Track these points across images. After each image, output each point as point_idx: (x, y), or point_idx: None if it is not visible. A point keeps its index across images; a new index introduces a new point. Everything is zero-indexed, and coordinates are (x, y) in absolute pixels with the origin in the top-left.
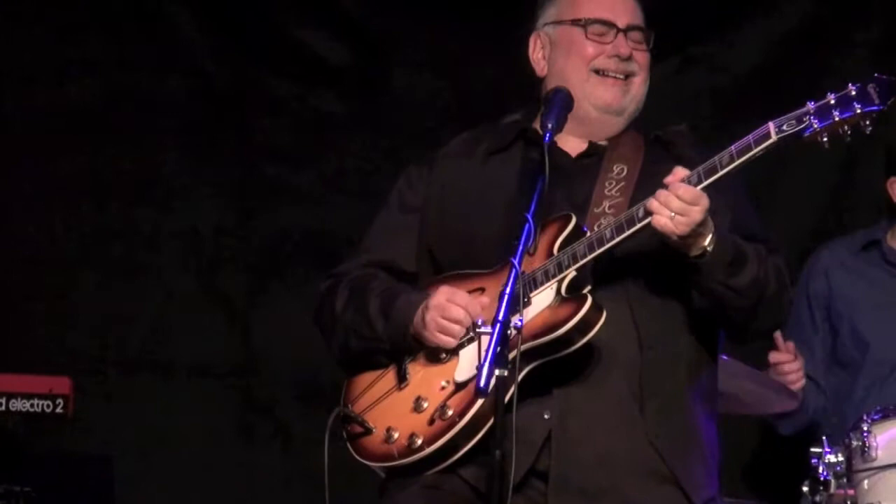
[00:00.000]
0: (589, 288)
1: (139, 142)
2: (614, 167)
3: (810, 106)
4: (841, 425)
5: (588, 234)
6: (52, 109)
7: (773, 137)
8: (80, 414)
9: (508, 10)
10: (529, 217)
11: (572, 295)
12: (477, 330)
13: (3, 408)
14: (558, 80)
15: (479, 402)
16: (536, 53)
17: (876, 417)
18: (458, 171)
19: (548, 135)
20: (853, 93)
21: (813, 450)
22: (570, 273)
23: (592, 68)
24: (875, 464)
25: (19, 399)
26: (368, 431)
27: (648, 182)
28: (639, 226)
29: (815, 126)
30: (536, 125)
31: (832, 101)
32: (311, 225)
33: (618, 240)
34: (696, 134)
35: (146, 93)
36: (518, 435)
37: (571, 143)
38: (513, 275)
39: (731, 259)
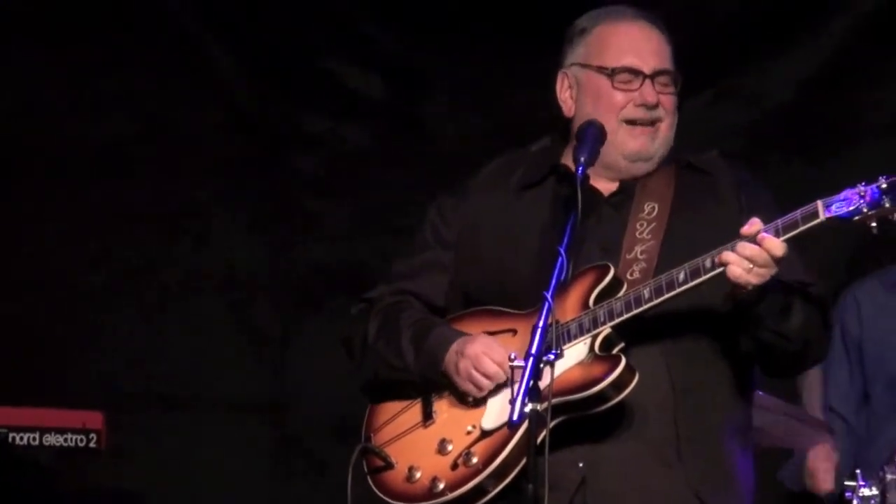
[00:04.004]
0: (622, 346)
1: (174, 176)
2: (645, 206)
3: (861, 188)
4: (875, 459)
5: (624, 286)
6: (88, 143)
7: (822, 217)
8: (113, 449)
9: (541, 44)
10: (562, 251)
11: (605, 354)
12: (511, 364)
13: (37, 442)
14: None
15: (506, 451)
16: (564, 93)
17: None
18: (491, 207)
19: (580, 168)
20: None
21: (847, 483)
22: (605, 330)
23: (622, 119)
24: None
25: (52, 433)
26: (390, 466)
27: (679, 219)
28: (680, 289)
29: (865, 211)
30: (567, 160)
31: (883, 186)
32: (344, 259)
33: (656, 302)
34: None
35: (181, 127)
36: (550, 483)
37: (602, 183)
38: (545, 308)
39: (782, 306)
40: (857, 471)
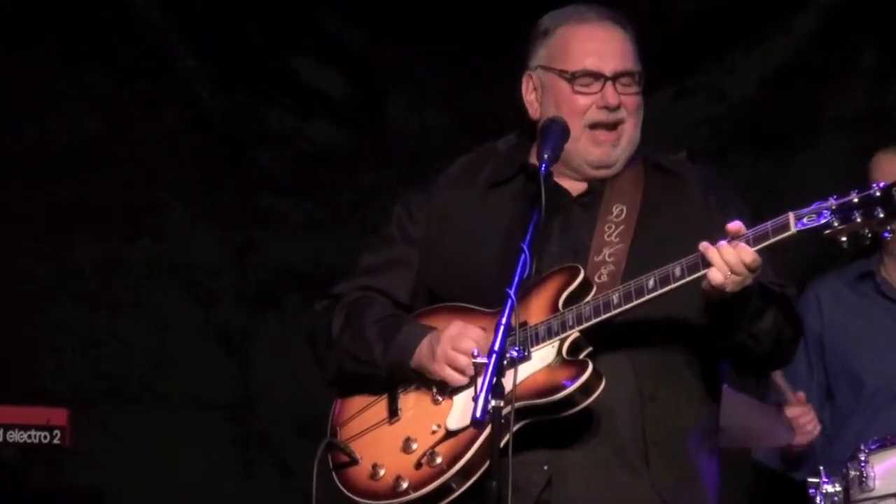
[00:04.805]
0: (590, 350)
1: (135, 174)
2: (613, 208)
3: (832, 202)
4: (838, 455)
5: (593, 289)
6: (47, 142)
7: (792, 230)
8: (76, 446)
9: (503, 41)
10: (525, 247)
11: (573, 358)
12: (473, 360)
13: (1, 439)
14: None
15: (470, 452)
16: (529, 95)
17: (873, 447)
18: (459, 203)
19: (544, 165)
20: (877, 195)
21: (810, 479)
22: (573, 334)
23: (585, 123)
24: (872, 494)
25: (16, 430)
26: (355, 462)
27: (647, 221)
28: (649, 296)
29: (835, 225)
30: (534, 159)
31: (854, 201)
32: (308, 257)
33: (625, 308)
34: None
35: (142, 125)
36: (515, 483)
37: (570, 183)
38: (508, 305)
39: (755, 308)
40: (821, 467)
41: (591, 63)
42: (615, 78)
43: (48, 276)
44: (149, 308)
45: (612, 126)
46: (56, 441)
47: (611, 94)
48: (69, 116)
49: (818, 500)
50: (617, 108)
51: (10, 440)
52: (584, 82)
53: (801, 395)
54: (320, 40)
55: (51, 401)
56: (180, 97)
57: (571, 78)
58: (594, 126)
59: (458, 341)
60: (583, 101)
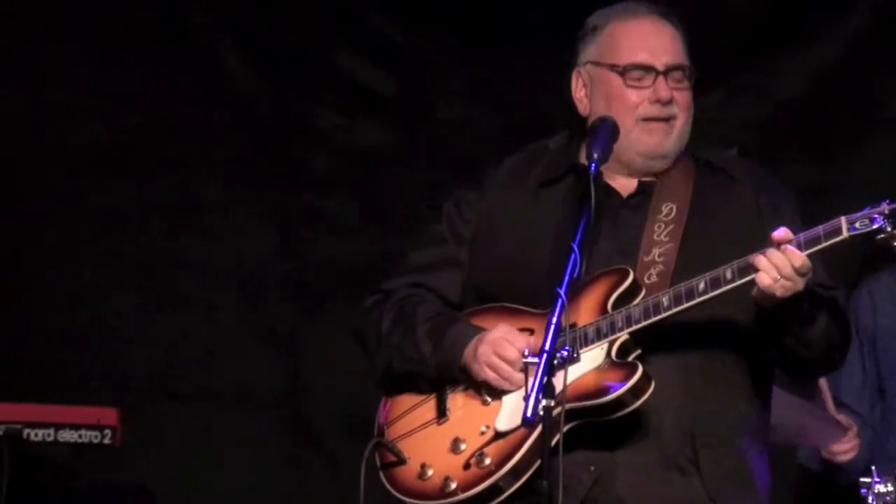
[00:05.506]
0: (639, 352)
1: (183, 173)
2: (663, 207)
3: (885, 206)
4: (890, 454)
5: (643, 290)
6: (95, 141)
7: (844, 235)
8: (127, 445)
9: (553, 40)
10: (575, 247)
11: (622, 360)
12: (524, 360)
13: (52, 438)
14: None
15: (519, 454)
16: (578, 92)
17: None
18: (509, 203)
19: (593, 164)
20: None
21: (862, 479)
22: (623, 336)
23: (638, 118)
24: None
25: (67, 430)
26: (402, 462)
27: (697, 221)
28: (699, 299)
29: (888, 230)
30: (583, 159)
31: None
32: (355, 255)
33: (675, 310)
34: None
35: (190, 124)
36: (563, 487)
37: (621, 182)
38: (559, 305)
39: (806, 313)
40: (872, 467)
41: (642, 57)
42: (667, 72)
43: (98, 276)
44: (197, 306)
45: (664, 121)
46: (106, 441)
47: (663, 88)
48: (117, 115)
49: (870, 500)
50: (669, 101)
51: (61, 440)
52: (636, 76)
53: (847, 420)
54: (369, 39)
55: (101, 400)
56: (228, 96)
57: (622, 72)
58: (646, 120)
59: (501, 347)
60: (634, 95)
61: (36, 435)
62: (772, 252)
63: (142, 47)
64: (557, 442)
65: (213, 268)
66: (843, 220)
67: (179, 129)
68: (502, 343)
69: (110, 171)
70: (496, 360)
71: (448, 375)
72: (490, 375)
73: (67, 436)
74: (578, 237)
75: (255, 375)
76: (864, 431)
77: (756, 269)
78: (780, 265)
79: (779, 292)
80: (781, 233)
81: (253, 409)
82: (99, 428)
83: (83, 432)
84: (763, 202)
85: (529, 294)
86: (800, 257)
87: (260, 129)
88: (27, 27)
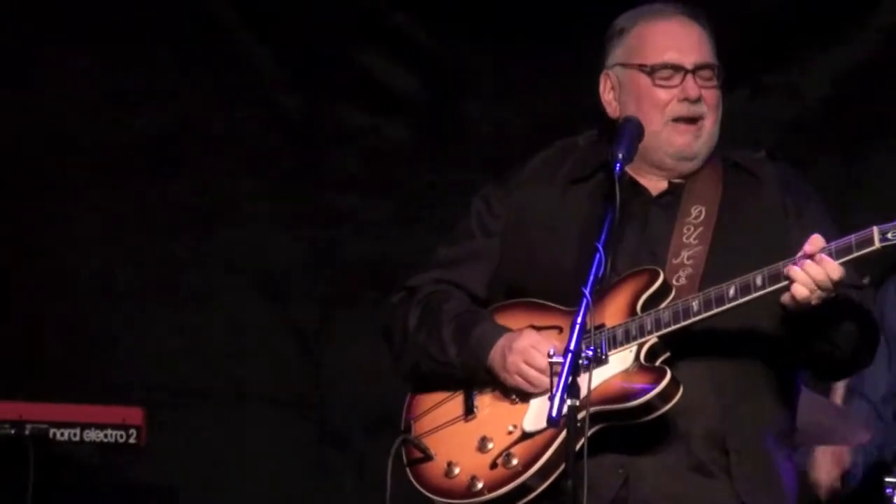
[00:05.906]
0: (667, 356)
1: (210, 173)
2: (692, 209)
3: None
4: None
5: (672, 292)
6: (121, 142)
7: (877, 245)
8: (152, 444)
9: (579, 41)
10: (600, 246)
11: (651, 364)
12: (550, 360)
13: (77, 438)
14: None
15: (546, 455)
16: (607, 94)
17: None
18: (538, 199)
19: (618, 164)
20: None
21: (888, 479)
22: (652, 339)
23: (668, 118)
24: None
25: (92, 429)
26: (429, 458)
27: (726, 223)
28: (729, 305)
29: None
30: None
31: None
32: (381, 255)
33: (704, 315)
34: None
35: (219, 123)
36: (590, 486)
37: (651, 182)
38: (584, 305)
39: (835, 317)
40: None
41: (670, 56)
42: (695, 70)
43: (123, 276)
44: (223, 306)
45: (693, 121)
46: (132, 440)
47: (691, 86)
48: (147, 116)
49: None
50: (698, 100)
51: (87, 439)
52: (665, 75)
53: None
54: (395, 39)
55: (126, 400)
56: (255, 96)
57: (651, 71)
58: (676, 120)
59: (531, 356)
60: (663, 94)
61: (62, 434)
62: (809, 265)
63: (172, 48)
64: (583, 445)
65: (239, 268)
66: (875, 230)
67: (208, 129)
68: (531, 352)
69: (140, 172)
70: (526, 369)
71: (475, 376)
72: (519, 382)
73: (93, 435)
74: (603, 237)
75: (281, 375)
76: (876, 425)
77: (791, 280)
78: (817, 277)
79: (814, 301)
80: (814, 244)
81: (278, 408)
82: (124, 427)
83: (109, 432)
84: (788, 202)
85: (557, 290)
86: (837, 269)
87: (288, 129)
88: (58, 27)
